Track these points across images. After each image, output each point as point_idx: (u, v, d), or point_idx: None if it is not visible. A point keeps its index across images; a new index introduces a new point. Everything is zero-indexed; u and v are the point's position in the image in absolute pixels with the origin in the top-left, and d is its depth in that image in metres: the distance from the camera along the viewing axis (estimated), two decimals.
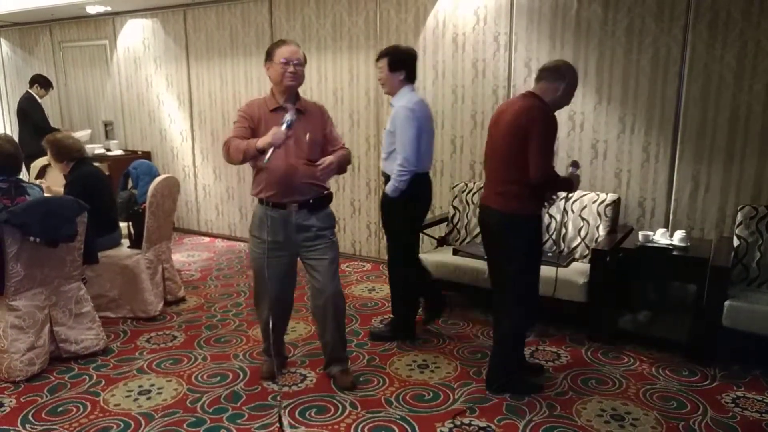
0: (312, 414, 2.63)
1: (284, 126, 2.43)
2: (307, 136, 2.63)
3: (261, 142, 2.45)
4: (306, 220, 2.67)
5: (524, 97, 2.65)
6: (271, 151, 2.40)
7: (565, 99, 2.67)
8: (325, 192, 2.74)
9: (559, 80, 2.60)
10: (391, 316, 3.51)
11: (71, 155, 3.60)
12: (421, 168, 3.13)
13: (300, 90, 2.71)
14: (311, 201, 2.67)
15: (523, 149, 2.53)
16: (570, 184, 2.75)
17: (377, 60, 3.18)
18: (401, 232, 3.26)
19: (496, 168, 2.70)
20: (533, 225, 2.72)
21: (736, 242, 3.28)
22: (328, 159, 2.59)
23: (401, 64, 3.10)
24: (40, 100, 6.00)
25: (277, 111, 2.61)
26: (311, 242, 2.70)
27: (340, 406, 2.69)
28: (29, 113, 5.95)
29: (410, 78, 3.14)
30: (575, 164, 2.88)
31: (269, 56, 2.64)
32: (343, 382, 2.85)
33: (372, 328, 3.57)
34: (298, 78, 2.63)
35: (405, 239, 3.29)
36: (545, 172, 2.54)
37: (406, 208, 3.17)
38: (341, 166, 2.69)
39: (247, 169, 3.65)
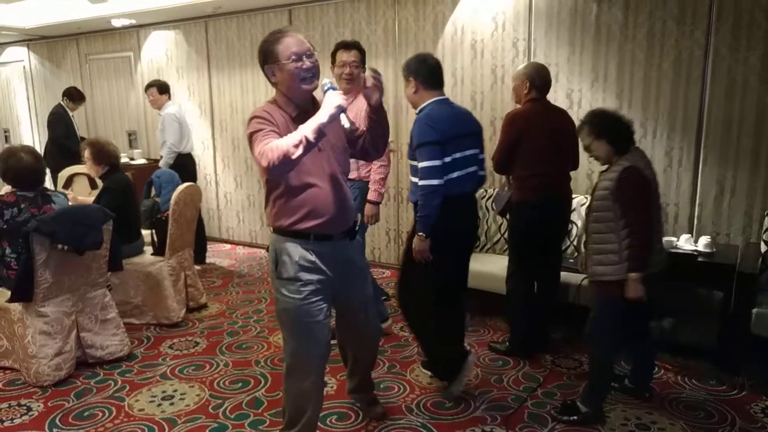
0: (333, 420, 2.64)
1: (327, 88, 1.89)
2: (341, 138, 2.20)
3: (322, 115, 1.83)
4: (350, 249, 2.17)
5: None
6: (344, 117, 1.86)
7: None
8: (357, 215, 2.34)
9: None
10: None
11: (108, 161, 3.70)
12: (183, 150, 5.07)
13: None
14: (355, 226, 2.19)
15: None
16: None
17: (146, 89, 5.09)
18: None
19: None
20: None
21: (763, 248, 3.21)
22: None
23: (161, 90, 5.06)
24: (71, 113, 6.08)
25: (300, 117, 2.00)
26: (354, 275, 2.22)
27: (361, 413, 2.68)
28: (51, 128, 6.02)
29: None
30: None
31: (271, 56, 1.99)
32: (375, 414, 2.65)
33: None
34: (318, 74, 2.01)
35: None
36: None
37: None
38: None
39: None
